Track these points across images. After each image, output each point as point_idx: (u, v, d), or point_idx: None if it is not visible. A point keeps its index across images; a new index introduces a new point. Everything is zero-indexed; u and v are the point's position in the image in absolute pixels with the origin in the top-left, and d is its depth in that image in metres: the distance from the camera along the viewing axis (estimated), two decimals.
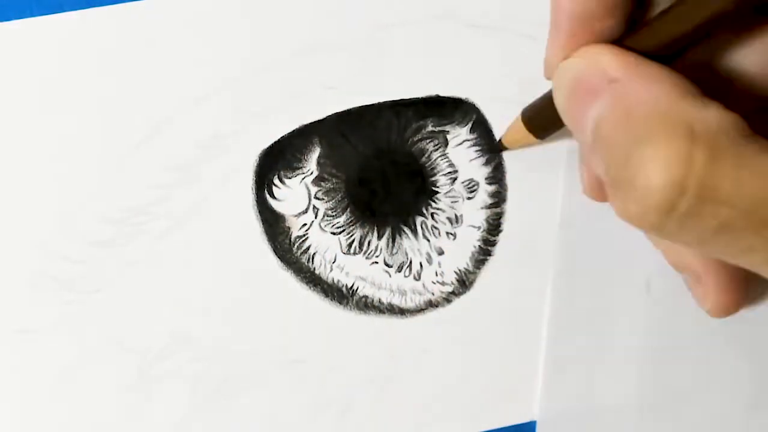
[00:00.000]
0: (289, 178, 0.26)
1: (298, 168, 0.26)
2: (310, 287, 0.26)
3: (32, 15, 0.25)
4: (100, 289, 0.25)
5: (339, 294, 0.26)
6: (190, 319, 0.26)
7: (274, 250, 0.26)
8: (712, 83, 0.20)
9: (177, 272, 0.26)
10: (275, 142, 0.26)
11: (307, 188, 0.26)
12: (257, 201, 0.26)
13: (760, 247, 0.16)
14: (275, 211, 0.26)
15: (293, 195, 0.26)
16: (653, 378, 0.27)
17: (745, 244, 0.16)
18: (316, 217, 0.26)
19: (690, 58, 0.20)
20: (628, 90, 0.17)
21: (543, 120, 0.23)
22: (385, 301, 0.26)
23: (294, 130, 0.26)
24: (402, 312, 0.26)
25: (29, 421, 0.25)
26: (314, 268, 0.26)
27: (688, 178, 0.15)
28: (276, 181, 0.26)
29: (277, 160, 0.26)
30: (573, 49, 0.19)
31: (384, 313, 0.26)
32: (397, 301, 0.26)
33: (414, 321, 0.26)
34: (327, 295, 0.26)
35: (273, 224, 0.26)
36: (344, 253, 0.26)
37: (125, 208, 0.25)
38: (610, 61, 0.18)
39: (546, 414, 0.27)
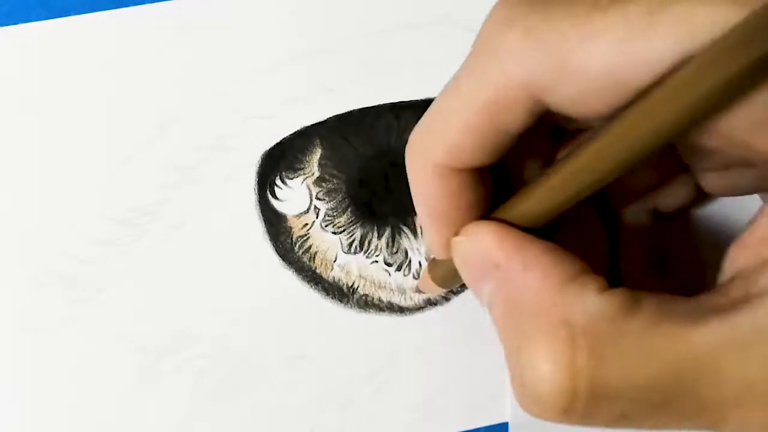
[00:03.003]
0: (291, 178, 0.26)
1: (300, 169, 0.26)
2: (311, 286, 0.26)
3: (37, 19, 0.25)
4: (105, 287, 0.26)
5: (339, 292, 0.26)
6: (194, 317, 0.26)
7: (276, 250, 0.26)
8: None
9: (180, 271, 0.26)
10: (277, 144, 0.26)
11: (309, 189, 0.26)
12: (259, 201, 0.26)
13: (665, 424, 0.16)
14: (277, 211, 0.26)
15: (295, 195, 0.26)
16: None
17: (649, 423, 0.16)
18: (317, 217, 0.26)
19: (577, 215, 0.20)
20: (510, 278, 0.17)
21: (449, 277, 0.23)
22: (384, 299, 0.27)
23: (295, 132, 0.26)
24: (401, 310, 0.27)
25: (36, 418, 0.26)
26: (315, 267, 0.26)
27: (576, 381, 0.15)
28: (278, 181, 0.26)
29: (279, 161, 0.26)
30: (453, 233, 0.18)
31: (384, 311, 0.27)
32: (396, 299, 0.27)
33: (413, 319, 0.27)
34: (328, 294, 0.26)
35: (275, 224, 0.26)
36: (345, 253, 0.26)
37: (130, 208, 0.26)
38: (491, 244, 0.17)
39: (516, 417, 0.27)
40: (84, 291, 0.26)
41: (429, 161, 0.18)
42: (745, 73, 0.13)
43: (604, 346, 0.15)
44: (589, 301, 0.15)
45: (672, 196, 0.21)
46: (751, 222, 0.15)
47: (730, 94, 0.14)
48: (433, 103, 0.18)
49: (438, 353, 0.27)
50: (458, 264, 0.19)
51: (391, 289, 0.27)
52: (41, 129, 0.25)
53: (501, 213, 0.18)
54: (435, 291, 0.26)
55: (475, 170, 0.18)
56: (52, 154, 0.25)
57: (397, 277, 0.27)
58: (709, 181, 0.20)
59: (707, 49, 0.13)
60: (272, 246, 0.26)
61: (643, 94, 0.14)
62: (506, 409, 0.27)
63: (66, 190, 0.25)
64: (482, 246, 0.17)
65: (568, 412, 0.15)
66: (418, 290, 0.26)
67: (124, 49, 0.26)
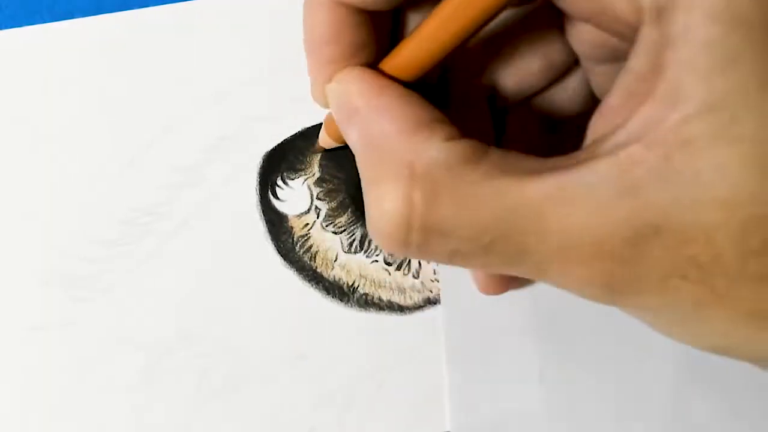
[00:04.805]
0: (292, 179, 0.27)
1: (301, 169, 0.27)
2: (312, 285, 0.27)
3: (42, 21, 0.26)
4: (107, 287, 0.26)
5: (340, 292, 0.27)
6: (195, 316, 0.26)
7: (277, 249, 0.26)
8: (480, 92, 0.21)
9: (183, 271, 0.26)
10: (278, 145, 0.26)
11: (310, 189, 0.27)
12: (261, 201, 0.26)
13: (493, 264, 0.17)
14: (278, 211, 0.27)
15: (296, 196, 0.27)
16: (555, 382, 0.26)
17: (479, 262, 0.17)
18: (318, 217, 0.27)
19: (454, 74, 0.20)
20: (366, 121, 0.17)
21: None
22: (384, 298, 0.27)
23: (297, 133, 0.26)
24: (401, 309, 0.27)
25: (37, 418, 0.26)
26: (316, 267, 0.27)
27: (411, 217, 0.16)
28: (279, 182, 0.26)
29: (280, 162, 0.26)
30: (332, 72, 0.19)
31: (384, 310, 0.27)
32: (396, 298, 0.27)
33: (413, 318, 0.27)
34: (328, 293, 0.27)
35: (276, 224, 0.26)
36: (345, 252, 0.27)
37: (134, 208, 0.26)
38: (355, 89, 0.18)
39: (458, 425, 0.26)
40: (87, 291, 0.26)
41: None
42: None
43: (438, 189, 0.16)
44: (433, 147, 0.16)
45: (561, 99, 0.22)
46: (609, 92, 0.16)
47: None
48: None
49: (438, 353, 0.27)
50: (332, 108, 0.19)
51: (391, 289, 0.27)
52: (45, 130, 0.26)
53: (382, 64, 0.19)
54: (331, 144, 0.25)
55: (366, 13, 0.18)
56: (55, 155, 0.26)
57: (396, 277, 0.27)
58: (598, 77, 0.20)
59: None
60: (273, 246, 0.26)
61: None
62: (445, 419, 0.26)
63: (69, 191, 0.26)
64: (346, 90, 0.18)
65: (406, 244, 0.17)
66: (319, 148, 0.25)
67: (128, 51, 0.26)
